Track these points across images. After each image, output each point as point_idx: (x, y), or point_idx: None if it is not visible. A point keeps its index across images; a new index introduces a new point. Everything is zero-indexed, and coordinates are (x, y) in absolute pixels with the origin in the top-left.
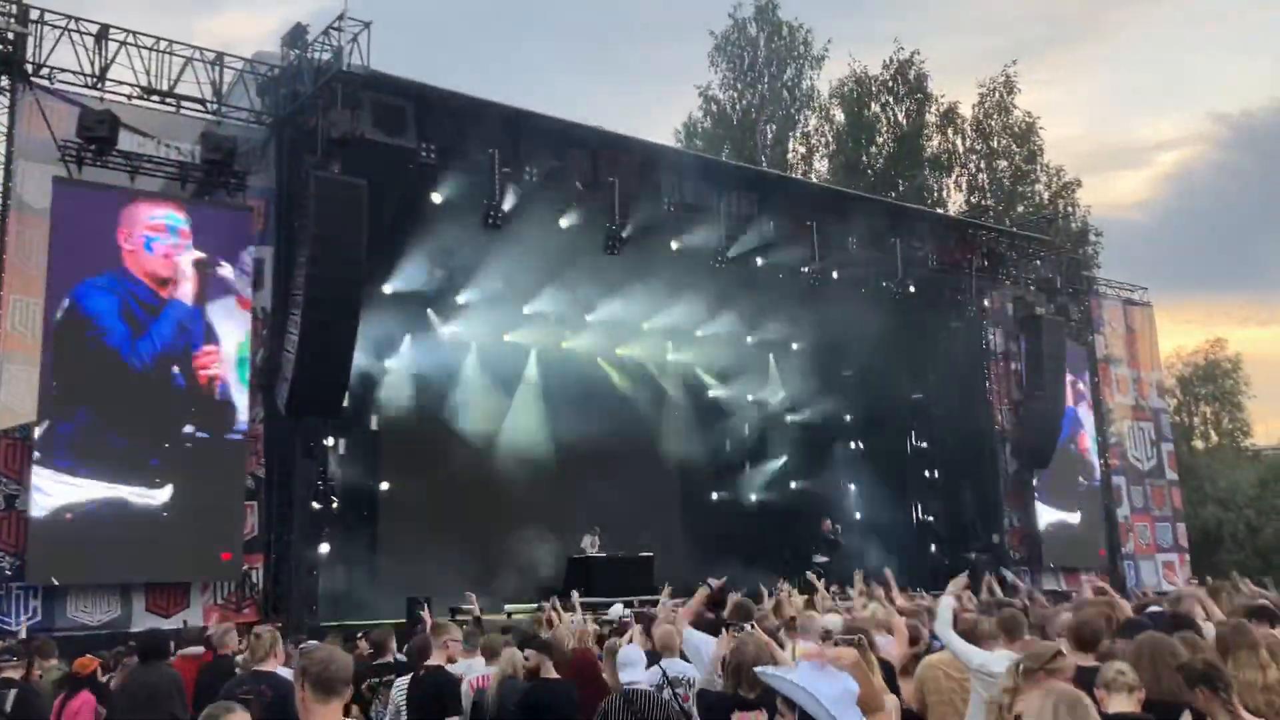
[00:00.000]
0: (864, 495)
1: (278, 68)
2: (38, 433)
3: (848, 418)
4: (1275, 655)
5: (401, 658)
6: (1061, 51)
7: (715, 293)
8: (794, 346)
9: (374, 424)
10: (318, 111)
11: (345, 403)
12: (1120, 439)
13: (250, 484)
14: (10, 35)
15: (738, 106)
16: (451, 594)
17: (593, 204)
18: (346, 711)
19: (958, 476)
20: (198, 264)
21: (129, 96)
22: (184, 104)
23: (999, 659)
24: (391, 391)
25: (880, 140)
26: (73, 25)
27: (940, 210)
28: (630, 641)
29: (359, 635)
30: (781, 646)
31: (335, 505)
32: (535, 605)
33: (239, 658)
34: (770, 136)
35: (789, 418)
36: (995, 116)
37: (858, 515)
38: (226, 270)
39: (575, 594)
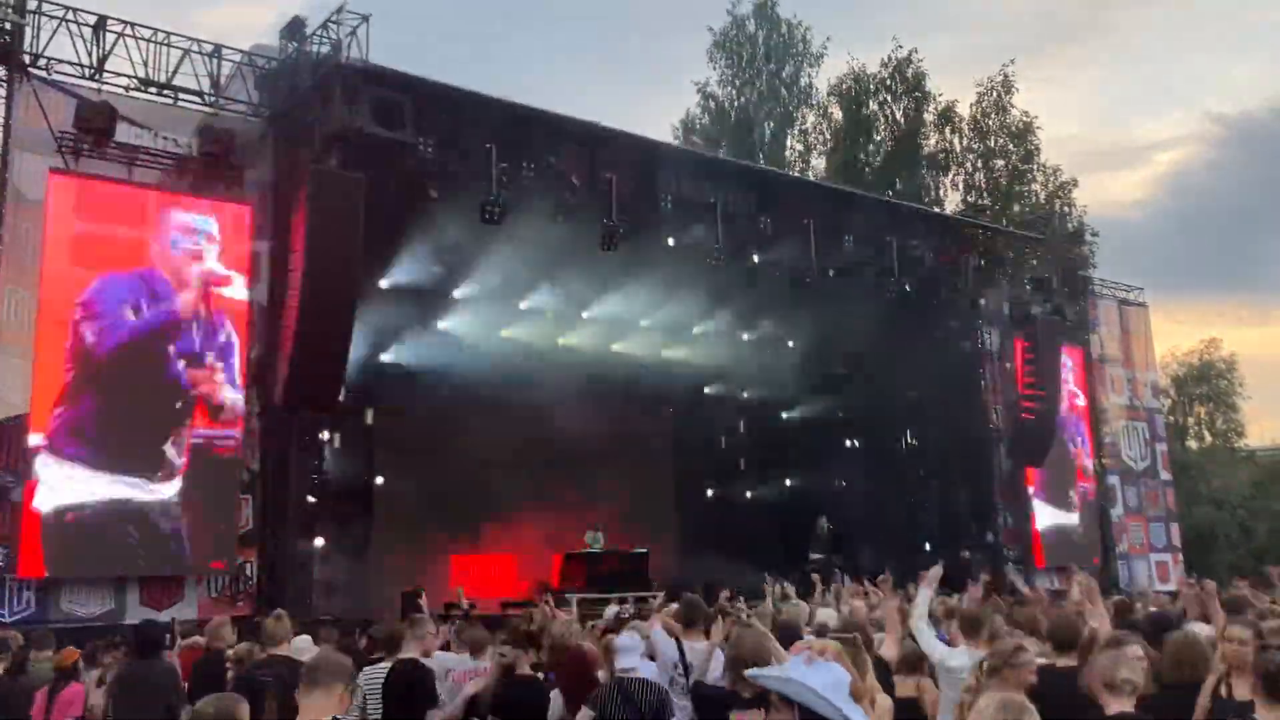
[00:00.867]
0: (859, 493)
1: (276, 60)
2: (34, 429)
3: (843, 416)
4: None
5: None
6: (1059, 51)
7: (711, 290)
8: (790, 344)
9: (369, 418)
10: (315, 105)
11: (341, 397)
12: (1114, 439)
13: (245, 478)
14: (8, 25)
15: (736, 103)
16: (445, 589)
17: (590, 200)
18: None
19: (952, 475)
20: (218, 267)
21: (126, 88)
22: (181, 96)
23: (956, 654)
24: (387, 386)
25: (878, 138)
26: (70, 16)
27: (937, 209)
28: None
29: (356, 630)
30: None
31: (330, 499)
32: (529, 601)
33: (229, 651)
34: (768, 134)
35: (784, 415)
36: (993, 116)
37: (852, 513)
38: (225, 266)
39: (574, 598)
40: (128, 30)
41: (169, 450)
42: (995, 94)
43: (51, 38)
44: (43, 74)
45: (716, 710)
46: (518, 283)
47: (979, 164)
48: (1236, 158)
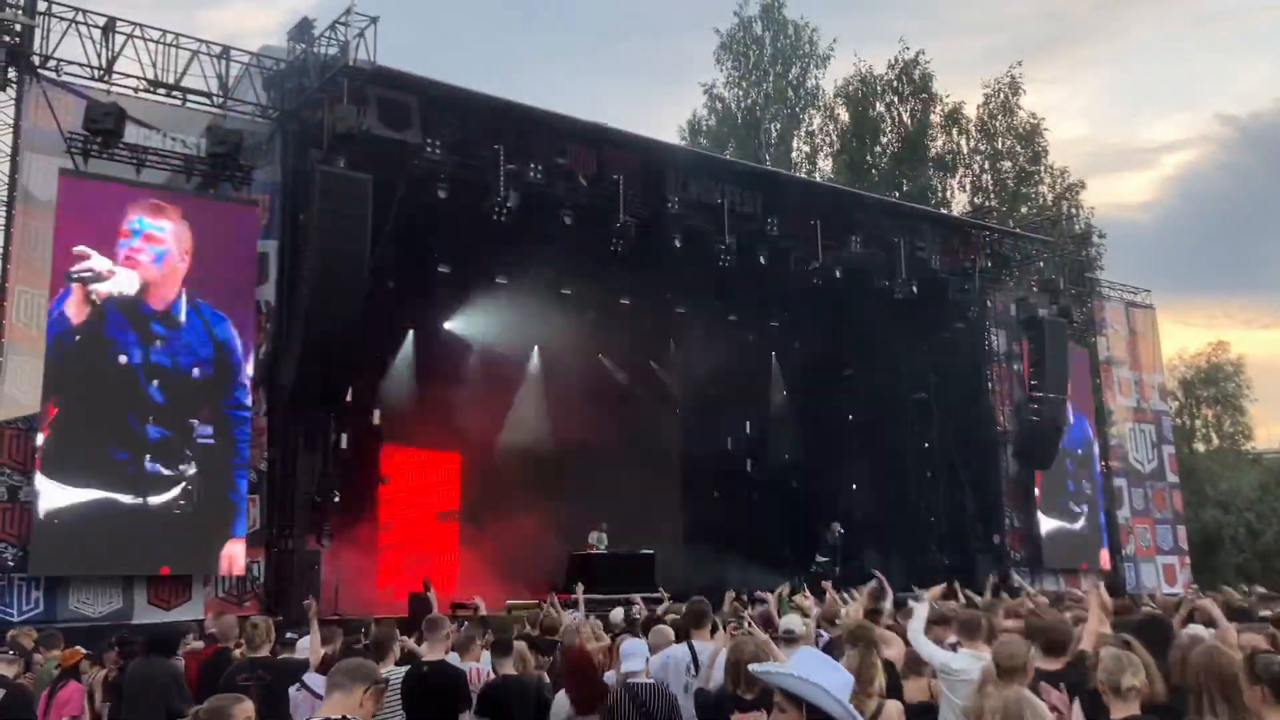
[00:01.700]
0: (865, 495)
1: (284, 62)
2: (44, 431)
3: (850, 417)
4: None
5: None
6: (1067, 52)
7: (718, 290)
8: (796, 345)
9: (376, 418)
10: (323, 106)
11: (348, 397)
12: (1121, 441)
13: (253, 477)
14: (18, 27)
15: (742, 105)
16: (453, 589)
17: (597, 200)
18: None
19: (959, 477)
20: (186, 258)
21: (135, 89)
22: (190, 97)
23: (959, 658)
24: (394, 385)
25: (884, 140)
26: (80, 18)
27: (944, 211)
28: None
29: (362, 630)
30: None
31: (337, 498)
32: (535, 602)
33: (236, 651)
34: (775, 135)
35: (791, 417)
36: (1000, 117)
37: (858, 515)
38: (212, 267)
39: (580, 587)
40: (136, 32)
41: (173, 450)
42: (1002, 95)
43: (61, 39)
44: (52, 75)
45: (717, 713)
46: (525, 283)
47: (986, 165)
48: (1245, 159)
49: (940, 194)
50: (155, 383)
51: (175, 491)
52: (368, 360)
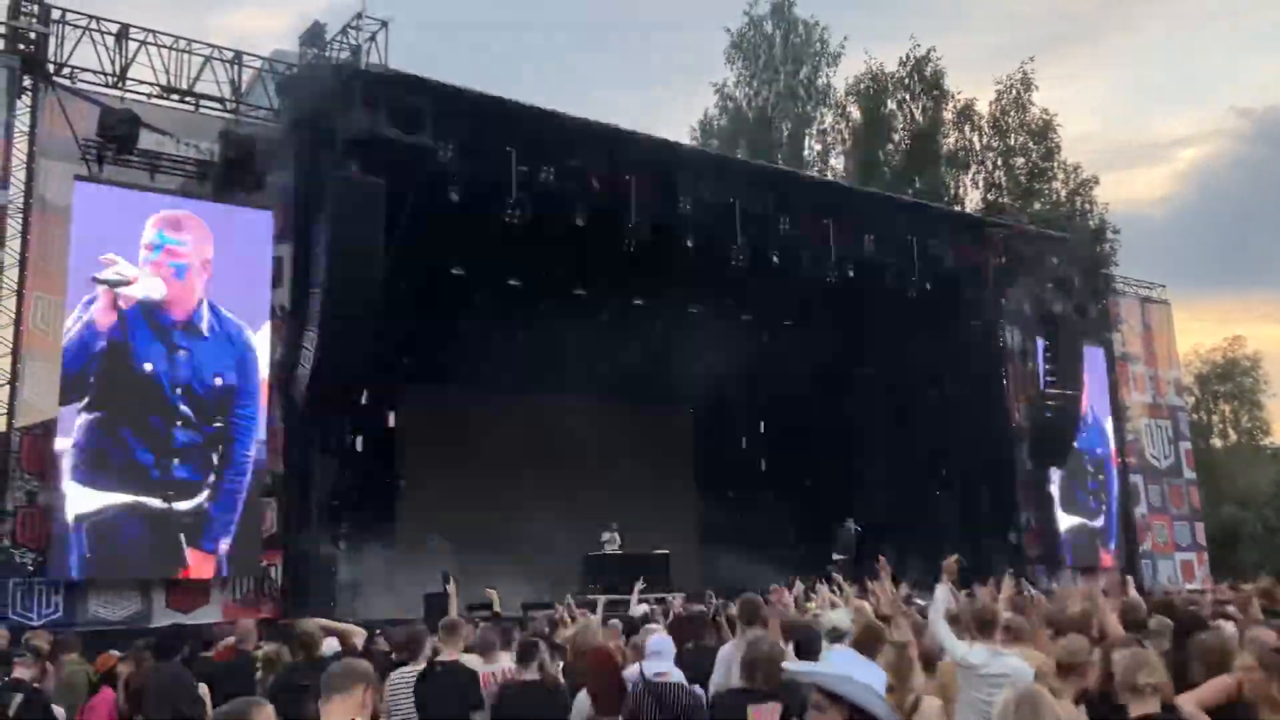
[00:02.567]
0: (879, 494)
1: (296, 66)
2: (62, 434)
3: (864, 415)
4: None
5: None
6: (1080, 47)
7: (731, 290)
8: (810, 344)
9: (392, 421)
10: (336, 110)
11: (364, 400)
12: (1138, 437)
13: (269, 480)
14: (32, 35)
15: (754, 104)
16: (467, 590)
17: (609, 202)
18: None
19: (974, 475)
20: (207, 268)
21: (149, 95)
22: (203, 103)
23: (977, 652)
24: (410, 388)
25: (896, 138)
26: (93, 25)
27: (957, 208)
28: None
29: (377, 631)
30: None
31: (354, 502)
32: (550, 603)
33: (267, 649)
34: (786, 134)
35: (805, 415)
36: (1012, 113)
37: (873, 514)
38: (239, 274)
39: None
40: (150, 38)
41: (190, 455)
42: (1015, 92)
43: (75, 47)
44: (67, 82)
45: (733, 709)
46: (538, 284)
47: (999, 162)
48: (1261, 153)
49: (953, 191)
50: (178, 390)
51: (198, 496)
52: (382, 363)
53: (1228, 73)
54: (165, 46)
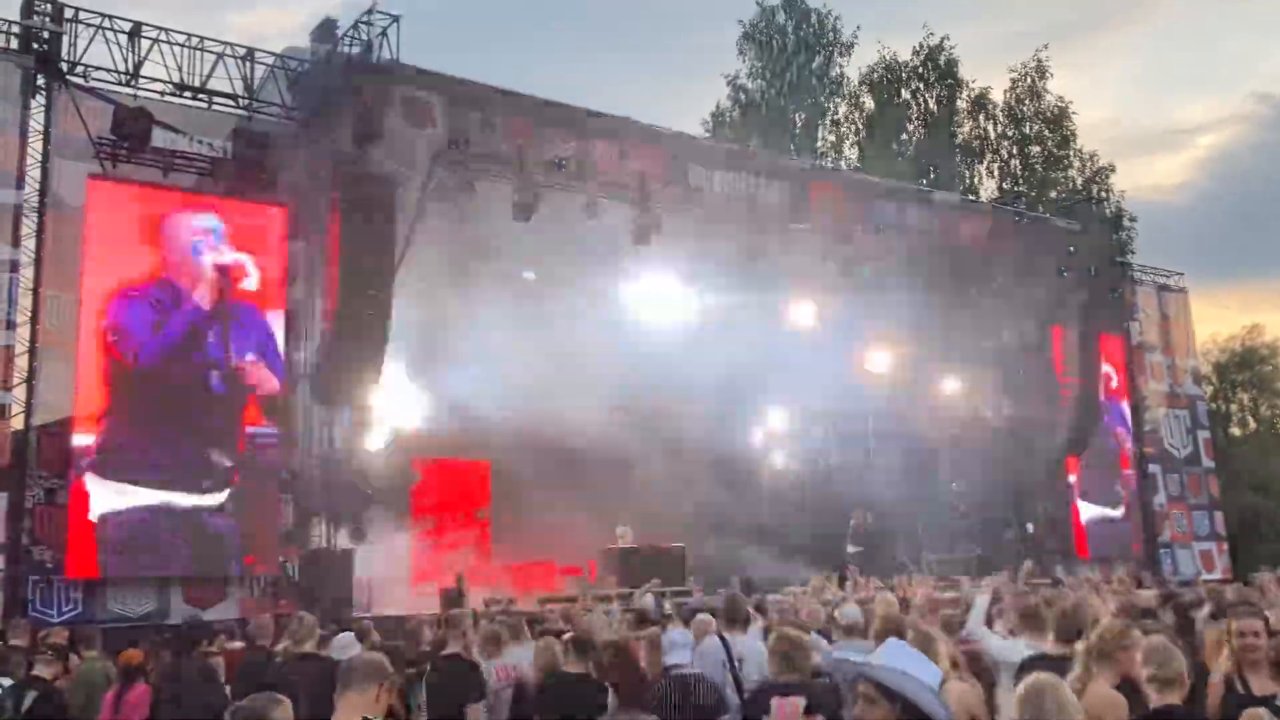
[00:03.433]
0: (895, 485)
1: (308, 62)
2: (78, 432)
3: (880, 407)
4: None
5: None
6: (1096, 34)
7: (745, 282)
8: (824, 336)
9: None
10: (348, 106)
11: (377, 395)
12: (1155, 426)
13: (285, 477)
14: (45, 34)
15: (766, 95)
16: (484, 586)
17: (621, 194)
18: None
19: (991, 466)
20: (225, 267)
21: (161, 93)
22: (216, 100)
23: (1014, 649)
24: (423, 383)
25: (911, 127)
26: (106, 23)
27: (972, 197)
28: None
29: (399, 629)
30: None
31: (369, 497)
32: (569, 597)
33: (281, 644)
34: (799, 125)
35: (821, 407)
36: (1027, 102)
37: (888, 506)
38: (256, 269)
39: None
40: (162, 36)
41: (215, 455)
42: (1029, 80)
43: (88, 45)
44: (80, 81)
45: (759, 702)
46: (551, 278)
47: (1014, 151)
48: None
49: (968, 180)
50: (197, 387)
51: (215, 495)
52: (396, 357)
53: (1247, 57)
54: (178, 44)
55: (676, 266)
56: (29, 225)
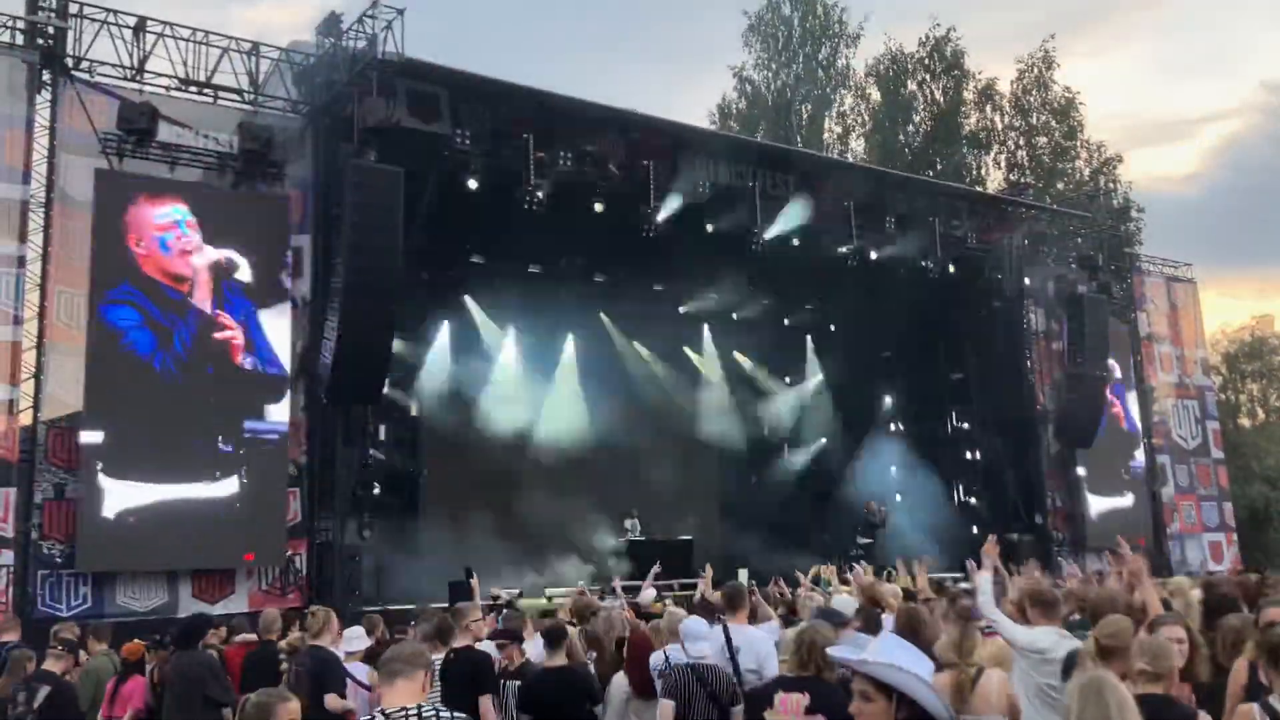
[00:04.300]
0: (904, 477)
1: (313, 57)
2: (88, 428)
3: (887, 399)
4: None
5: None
6: (1103, 24)
7: (751, 275)
8: (831, 328)
9: (414, 409)
10: (353, 100)
11: (385, 389)
12: (1164, 417)
13: (293, 471)
14: (51, 30)
15: (772, 87)
16: (492, 578)
17: (627, 187)
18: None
19: (999, 458)
20: (215, 263)
21: (167, 88)
22: (221, 94)
23: (1045, 635)
24: (431, 377)
25: (917, 118)
26: (111, 18)
27: (979, 188)
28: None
29: (411, 623)
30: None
31: (377, 491)
32: (577, 589)
33: (292, 636)
34: (805, 116)
35: (827, 400)
36: (1034, 92)
37: (898, 498)
38: (246, 262)
39: (616, 580)
40: (167, 31)
41: (220, 449)
42: (1036, 70)
43: (93, 41)
44: (85, 76)
45: (763, 696)
46: (557, 271)
47: (1021, 142)
48: None
49: (975, 172)
50: (201, 380)
51: (222, 489)
52: (404, 352)
53: (1257, 46)
54: (183, 39)
55: (683, 257)
56: (36, 220)
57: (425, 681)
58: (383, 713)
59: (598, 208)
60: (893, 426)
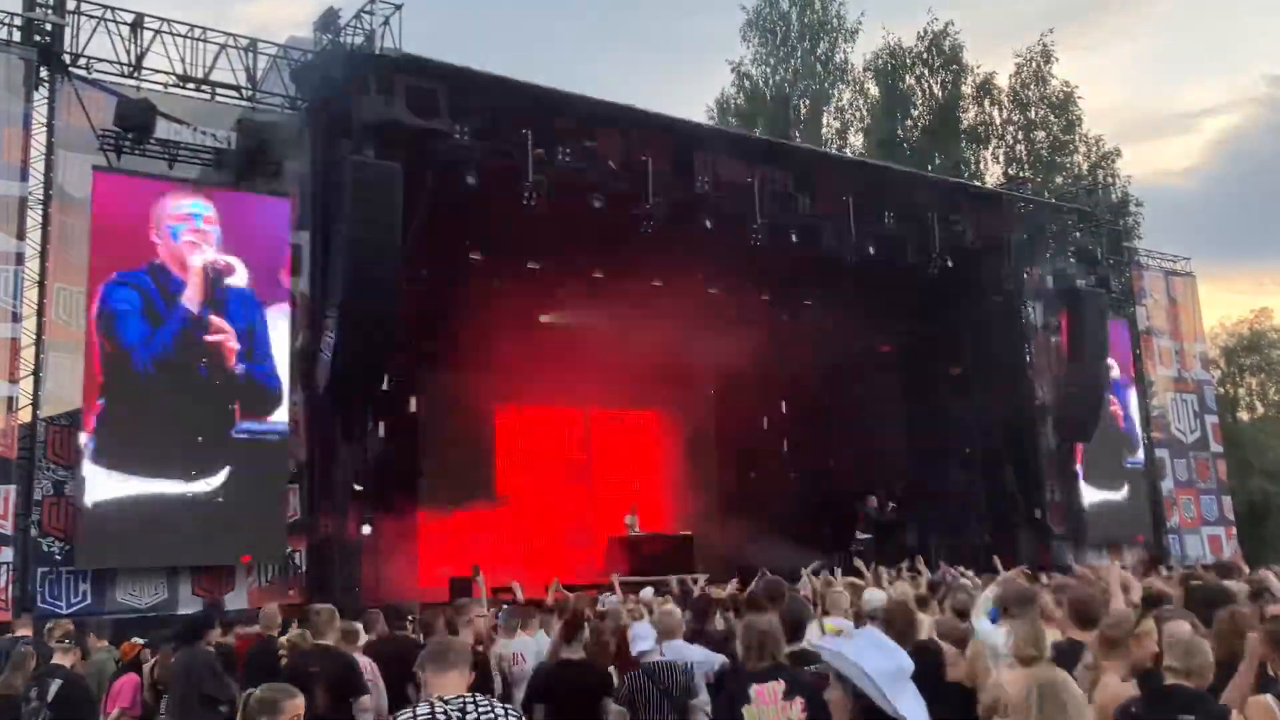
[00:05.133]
0: (902, 472)
1: (311, 53)
2: (85, 431)
3: (886, 394)
4: None
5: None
6: (1102, 17)
7: (751, 270)
8: (830, 324)
9: (414, 406)
10: (351, 96)
11: (385, 385)
12: (1163, 411)
13: (292, 467)
14: (48, 26)
15: (771, 82)
16: (494, 574)
17: (626, 183)
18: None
19: (998, 452)
20: (221, 256)
21: (165, 85)
22: (219, 91)
23: (999, 633)
24: (430, 373)
25: (915, 113)
26: (108, 15)
27: (977, 183)
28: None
29: (409, 618)
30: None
31: (377, 487)
32: (582, 586)
33: (292, 633)
34: (804, 112)
35: (826, 395)
36: (1032, 86)
37: (896, 493)
38: (246, 260)
39: (615, 576)
40: (165, 27)
41: (214, 445)
42: (1035, 64)
43: (90, 37)
44: (83, 73)
45: (737, 685)
46: (556, 267)
47: (1019, 136)
48: None
49: (973, 166)
50: (198, 375)
51: (218, 487)
52: (402, 348)
53: (1256, 39)
54: (180, 35)
55: (682, 254)
56: (34, 218)
57: (468, 673)
58: (441, 699)
59: (596, 204)
60: (891, 421)
